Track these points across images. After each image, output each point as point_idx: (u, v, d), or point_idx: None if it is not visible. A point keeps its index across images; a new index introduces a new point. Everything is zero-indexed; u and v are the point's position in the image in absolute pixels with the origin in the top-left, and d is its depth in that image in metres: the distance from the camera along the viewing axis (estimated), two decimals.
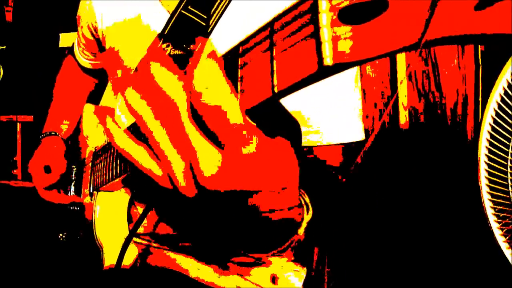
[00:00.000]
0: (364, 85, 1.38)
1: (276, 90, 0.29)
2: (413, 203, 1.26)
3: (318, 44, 0.25)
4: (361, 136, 0.80)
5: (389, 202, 1.26)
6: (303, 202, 0.50)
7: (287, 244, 0.50)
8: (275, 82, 0.29)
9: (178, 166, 0.38)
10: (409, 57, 1.33)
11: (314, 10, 0.26)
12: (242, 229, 0.46)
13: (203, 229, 0.74)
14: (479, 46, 1.26)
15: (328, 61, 0.25)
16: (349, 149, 0.79)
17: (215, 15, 0.79)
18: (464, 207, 1.15)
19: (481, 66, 1.28)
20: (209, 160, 0.35)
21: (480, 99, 1.27)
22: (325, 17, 0.25)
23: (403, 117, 1.34)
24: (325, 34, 0.25)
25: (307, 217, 0.50)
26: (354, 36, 0.24)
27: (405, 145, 1.32)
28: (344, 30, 0.24)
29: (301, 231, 0.49)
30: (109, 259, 0.93)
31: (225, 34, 0.79)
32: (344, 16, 0.24)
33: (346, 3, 0.24)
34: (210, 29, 0.79)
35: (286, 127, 0.57)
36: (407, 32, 0.22)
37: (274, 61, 0.29)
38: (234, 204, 0.38)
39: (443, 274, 1.11)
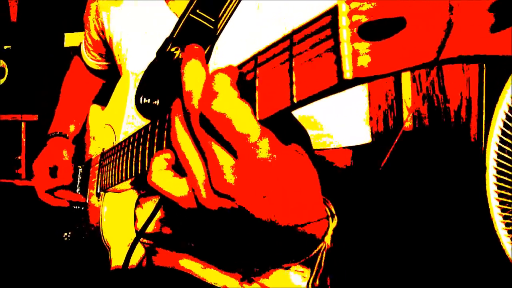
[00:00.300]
0: (369, 87, 1.39)
1: (295, 100, 0.30)
2: (417, 205, 1.27)
3: (338, 58, 0.26)
4: (368, 139, 0.81)
5: (392, 204, 1.27)
6: (327, 210, 0.50)
7: (314, 252, 0.50)
8: (294, 92, 0.30)
9: (201, 178, 0.39)
10: None
11: (334, 25, 0.27)
12: (267, 240, 0.46)
13: (222, 239, 0.75)
14: None
15: (348, 75, 0.26)
16: (357, 152, 0.80)
17: (223, 18, 0.80)
18: (467, 210, 1.15)
19: (485, 69, 1.28)
20: (226, 168, 0.36)
21: (484, 102, 1.28)
22: (345, 33, 0.26)
23: (407, 119, 1.35)
24: (345, 49, 0.26)
25: (333, 224, 0.49)
26: (373, 52, 0.25)
27: (409, 148, 1.33)
28: (364, 46, 0.26)
29: (327, 239, 0.49)
30: (116, 259, 0.94)
31: (236, 43, 0.79)
32: (364, 32, 0.25)
33: (365, 20, 0.25)
34: (218, 32, 0.80)
35: (296, 134, 0.58)
36: (424, 49, 0.24)
37: (293, 72, 0.30)
38: (255, 214, 0.39)
39: (446, 279, 1.12)
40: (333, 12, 0.27)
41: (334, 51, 0.27)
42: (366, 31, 0.25)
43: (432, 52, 0.23)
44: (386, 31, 0.25)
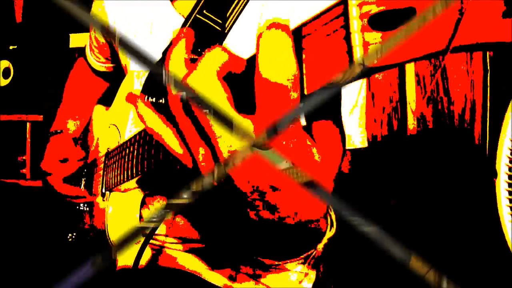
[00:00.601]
0: (373, 89, 1.39)
1: (306, 92, 0.30)
2: (420, 207, 1.27)
3: (349, 48, 0.27)
4: (363, 143, 0.80)
5: (395, 207, 1.26)
6: (328, 217, 0.48)
7: (303, 256, 0.47)
8: (305, 84, 0.30)
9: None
10: (418, 62, 1.34)
11: (345, 16, 0.27)
12: (260, 228, 0.44)
13: (219, 227, 0.73)
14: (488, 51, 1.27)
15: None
16: (356, 155, 0.79)
17: (230, 19, 0.80)
18: (472, 212, 1.15)
19: (489, 72, 1.28)
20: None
21: (488, 104, 1.28)
22: (356, 23, 0.26)
23: (411, 122, 1.35)
24: (356, 39, 0.26)
25: (329, 234, 0.47)
26: (383, 42, 0.26)
27: (413, 150, 1.33)
28: (374, 36, 0.26)
29: (320, 246, 0.47)
30: (122, 259, 0.94)
31: (243, 43, 0.79)
32: (374, 22, 0.26)
33: (375, 10, 0.26)
34: (225, 32, 0.80)
35: None
36: (435, 38, 0.24)
37: (304, 65, 0.30)
38: (256, 196, 0.37)
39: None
40: (343, 3, 0.27)
41: (345, 42, 0.27)
42: (377, 21, 0.26)
43: (443, 40, 0.23)
44: (397, 20, 0.25)
